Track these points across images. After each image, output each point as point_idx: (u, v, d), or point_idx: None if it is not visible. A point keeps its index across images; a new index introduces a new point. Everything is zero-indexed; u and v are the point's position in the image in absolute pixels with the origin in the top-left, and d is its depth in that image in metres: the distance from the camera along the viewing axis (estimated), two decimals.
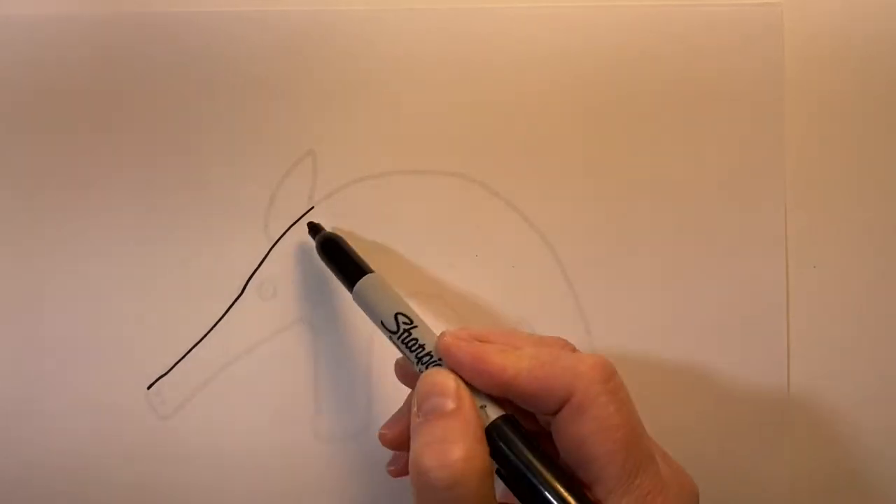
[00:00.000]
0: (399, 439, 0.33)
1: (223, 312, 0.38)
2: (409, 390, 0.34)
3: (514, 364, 0.28)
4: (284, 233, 0.38)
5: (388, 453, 0.38)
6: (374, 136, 0.38)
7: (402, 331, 0.31)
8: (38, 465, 0.38)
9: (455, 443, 0.26)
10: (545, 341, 0.31)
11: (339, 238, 0.36)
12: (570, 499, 0.26)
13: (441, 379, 0.29)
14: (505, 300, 0.39)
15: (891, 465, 0.39)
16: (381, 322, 0.32)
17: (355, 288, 0.34)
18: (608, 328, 0.39)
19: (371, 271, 0.34)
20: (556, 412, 0.28)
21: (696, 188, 0.39)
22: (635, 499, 0.26)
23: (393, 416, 0.34)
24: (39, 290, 0.38)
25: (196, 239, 0.38)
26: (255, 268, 0.38)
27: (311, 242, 0.38)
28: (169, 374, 0.38)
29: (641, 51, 0.39)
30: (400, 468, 0.34)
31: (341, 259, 0.35)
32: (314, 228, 0.37)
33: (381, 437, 0.33)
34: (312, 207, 0.38)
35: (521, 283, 0.39)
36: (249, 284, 0.38)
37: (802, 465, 0.39)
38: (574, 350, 0.31)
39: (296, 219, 0.38)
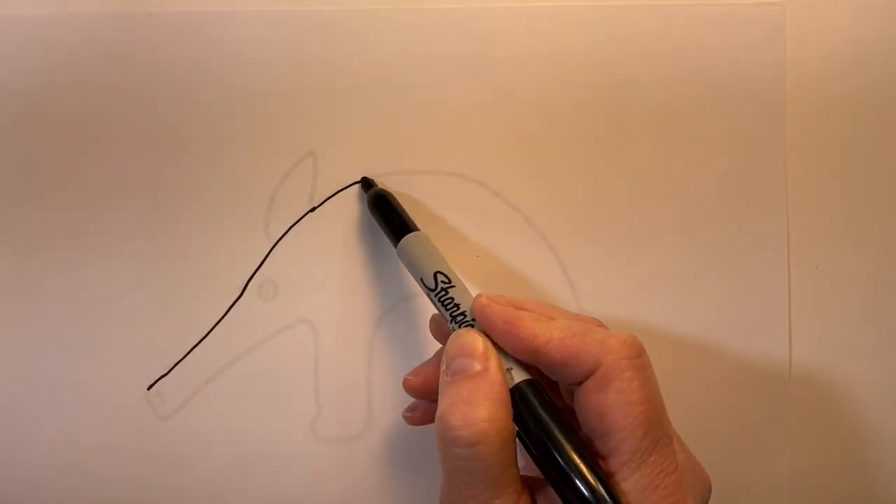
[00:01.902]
0: (422, 388, 0.34)
1: (223, 313, 0.38)
2: (436, 345, 0.36)
3: (546, 332, 0.29)
4: (285, 233, 0.38)
5: (389, 454, 0.38)
6: (374, 136, 0.38)
7: (439, 289, 0.32)
8: (38, 466, 0.38)
9: (480, 404, 0.27)
10: (580, 317, 0.32)
11: (390, 195, 0.37)
12: (581, 464, 0.26)
13: (470, 340, 0.30)
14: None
15: (890, 464, 0.39)
16: (421, 279, 0.33)
17: (400, 244, 0.35)
18: (609, 328, 0.38)
19: (417, 229, 0.35)
20: (580, 382, 0.29)
21: (696, 188, 0.39)
22: (647, 474, 0.27)
23: (420, 365, 0.35)
24: (39, 290, 0.38)
25: (196, 239, 0.38)
26: (255, 268, 0.38)
27: (312, 243, 0.38)
28: (169, 375, 0.38)
29: (642, 50, 0.39)
30: (416, 417, 0.36)
31: (390, 215, 0.36)
32: (367, 183, 0.38)
33: (406, 383, 0.34)
34: (314, 208, 0.38)
35: (521, 284, 0.39)
36: (250, 285, 0.38)
37: (802, 460, 0.39)
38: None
39: (296, 219, 0.38)
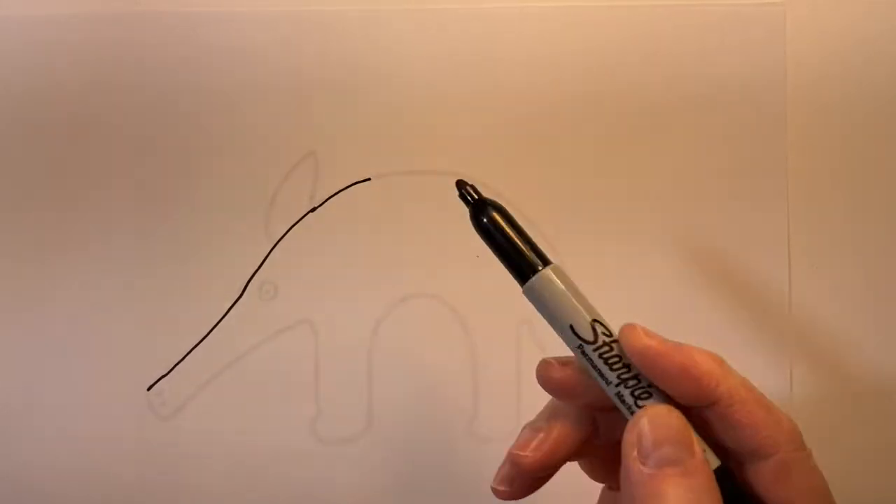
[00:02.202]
0: (545, 462, 0.29)
1: (223, 313, 0.38)
2: (543, 396, 0.31)
3: (725, 379, 0.25)
4: (285, 234, 0.38)
5: (389, 454, 0.38)
6: (374, 136, 0.38)
7: (601, 343, 0.26)
8: (38, 466, 0.38)
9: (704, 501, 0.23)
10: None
11: (504, 210, 0.28)
12: None
13: (675, 422, 0.25)
14: (506, 300, 0.39)
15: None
16: (571, 327, 0.26)
17: (537, 279, 0.27)
18: (611, 327, 0.38)
19: (549, 261, 0.27)
20: (747, 459, 0.26)
21: (697, 187, 0.39)
22: None
23: (527, 435, 0.29)
24: (39, 291, 0.38)
25: (197, 240, 0.38)
26: (255, 268, 0.38)
27: (312, 243, 0.38)
28: (169, 375, 0.38)
29: (643, 50, 0.39)
30: (515, 490, 0.30)
31: (513, 239, 0.28)
32: (466, 193, 0.29)
33: (521, 460, 0.29)
34: (313, 209, 0.38)
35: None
36: (250, 286, 0.38)
37: None
38: None
39: (296, 220, 0.38)
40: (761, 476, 0.25)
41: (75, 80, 0.38)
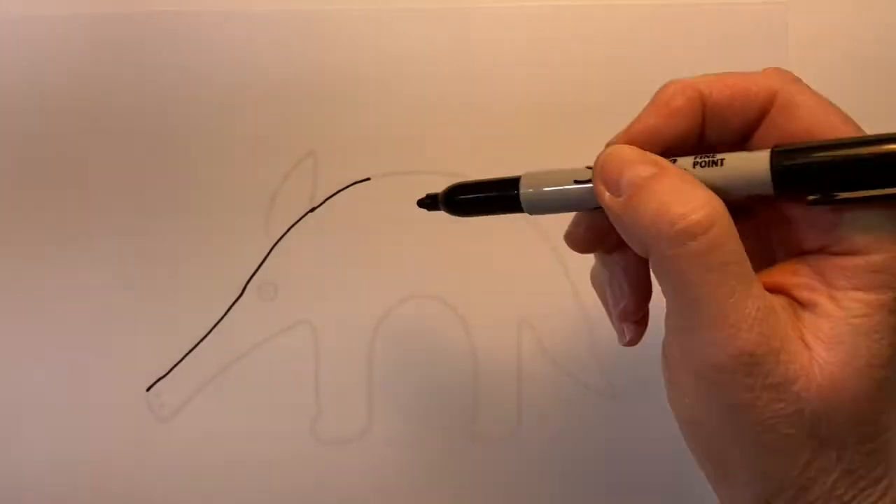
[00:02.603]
0: (588, 235, 0.28)
1: (223, 314, 0.38)
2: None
3: (701, 83, 0.25)
4: (284, 234, 0.38)
5: (390, 454, 0.38)
6: (375, 136, 0.38)
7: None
8: (36, 468, 0.38)
9: (689, 191, 0.22)
10: None
11: (457, 186, 0.29)
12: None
13: (621, 151, 0.24)
14: (506, 300, 0.39)
15: None
16: (575, 181, 0.27)
17: (522, 201, 0.27)
18: (610, 326, 0.38)
19: (515, 178, 0.28)
20: (755, 124, 0.25)
21: None
22: None
23: (573, 221, 0.29)
24: (37, 291, 0.38)
25: (197, 240, 0.38)
26: (255, 269, 0.38)
27: (312, 244, 0.38)
28: (169, 376, 0.38)
29: (643, 50, 0.38)
30: (635, 336, 0.30)
31: (481, 198, 0.28)
32: (430, 201, 0.30)
33: (568, 237, 0.29)
34: (313, 209, 0.38)
35: (522, 283, 0.38)
36: (250, 286, 0.38)
37: None
38: None
39: (296, 219, 0.38)
40: (769, 128, 0.24)
41: (75, 79, 0.38)
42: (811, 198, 0.22)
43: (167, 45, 0.38)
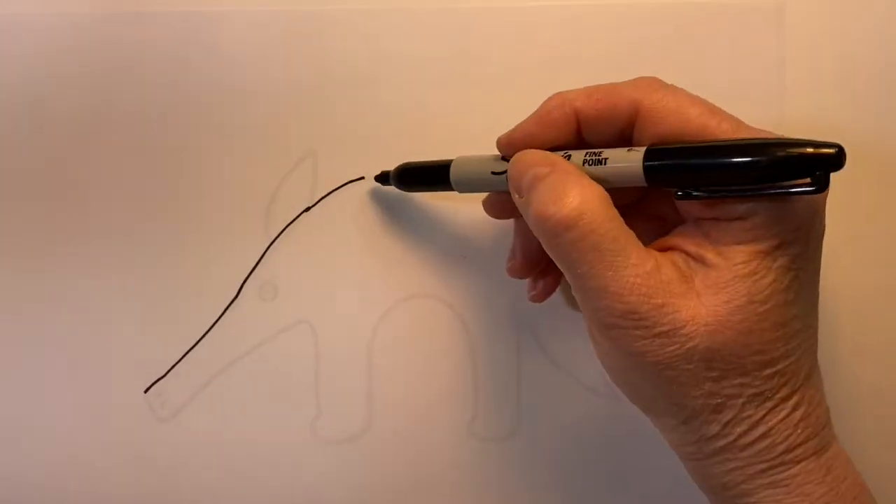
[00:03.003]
0: (524, 266, 0.34)
1: (220, 314, 0.38)
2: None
3: (576, 99, 0.29)
4: (280, 234, 0.38)
5: (390, 454, 0.38)
6: (375, 136, 0.38)
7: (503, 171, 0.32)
8: (37, 468, 0.38)
9: (566, 186, 0.27)
10: None
11: (405, 168, 0.36)
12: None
13: (525, 156, 0.29)
14: (505, 299, 0.39)
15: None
16: (492, 172, 0.32)
17: (452, 182, 0.34)
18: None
19: (449, 161, 0.34)
20: (627, 130, 0.29)
21: None
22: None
23: (510, 251, 0.35)
24: (36, 292, 0.38)
25: (197, 240, 0.38)
26: (252, 268, 0.38)
27: (312, 244, 0.38)
28: (169, 376, 0.38)
29: (641, 48, 0.38)
30: (538, 292, 0.35)
31: (421, 176, 0.36)
32: (384, 178, 0.37)
33: (510, 270, 0.35)
34: (308, 208, 0.38)
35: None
36: (249, 285, 0.38)
37: None
38: None
39: (292, 219, 0.38)
40: (639, 133, 0.29)
41: (72, 80, 0.38)
42: (678, 193, 0.27)
43: (166, 44, 0.38)
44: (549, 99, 0.30)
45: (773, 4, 0.39)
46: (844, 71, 0.39)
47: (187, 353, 0.38)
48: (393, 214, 0.38)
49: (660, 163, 0.27)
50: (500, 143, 0.32)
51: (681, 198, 0.27)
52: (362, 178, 0.38)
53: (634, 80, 0.29)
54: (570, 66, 0.38)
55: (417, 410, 0.38)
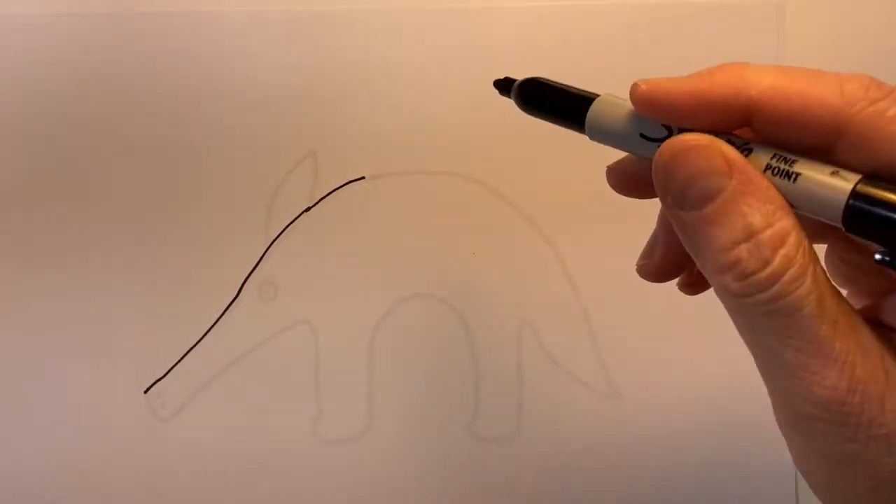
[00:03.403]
0: (663, 266, 0.25)
1: (220, 314, 0.38)
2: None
3: (753, 77, 0.21)
4: (281, 233, 0.38)
5: (391, 454, 0.38)
6: (375, 136, 0.38)
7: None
8: (37, 468, 0.38)
9: (765, 219, 0.19)
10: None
11: (537, 81, 0.27)
12: None
13: (690, 150, 0.20)
14: (505, 299, 0.39)
15: None
16: (642, 135, 0.23)
17: (588, 125, 0.25)
18: (610, 326, 0.38)
19: (594, 96, 0.25)
20: (818, 142, 0.20)
21: None
22: None
23: (647, 245, 0.26)
24: (37, 291, 0.38)
25: (198, 240, 0.38)
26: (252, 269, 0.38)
27: (312, 244, 0.38)
28: (170, 377, 0.38)
29: (640, 48, 0.38)
30: (655, 261, 0.26)
31: (552, 100, 0.26)
32: (505, 84, 0.28)
33: (641, 269, 0.25)
34: (308, 209, 0.38)
35: (521, 282, 0.38)
36: (249, 286, 0.38)
37: None
38: None
39: (292, 219, 0.38)
40: (843, 152, 0.20)
41: (74, 80, 0.38)
42: (877, 256, 0.19)
43: (167, 44, 0.38)
44: (722, 68, 0.22)
45: (773, 4, 0.39)
46: (844, 70, 0.39)
47: (187, 353, 0.38)
48: (393, 214, 0.38)
49: (873, 207, 0.18)
50: (639, 95, 0.22)
51: (880, 262, 0.19)
52: (363, 177, 0.38)
53: (845, 75, 0.21)
54: (571, 66, 0.38)
55: (418, 411, 0.38)
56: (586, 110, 0.25)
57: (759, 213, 0.19)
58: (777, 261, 0.18)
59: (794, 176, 0.20)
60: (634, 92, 0.22)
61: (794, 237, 0.19)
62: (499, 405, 0.39)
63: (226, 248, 0.38)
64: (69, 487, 0.38)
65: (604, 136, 0.24)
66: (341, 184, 0.38)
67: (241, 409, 0.38)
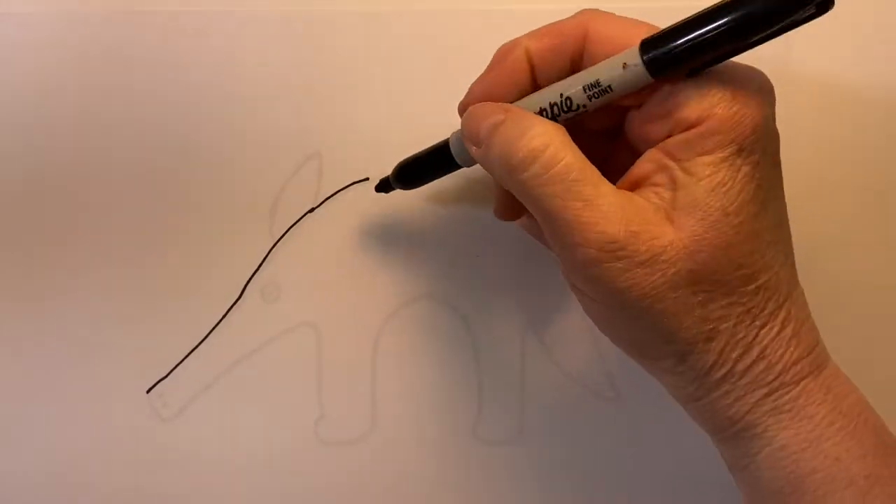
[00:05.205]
0: (500, 209, 0.33)
1: (223, 315, 0.38)
2: None
3: (524, 38, 0.30)
4: (283, 235, 0.38)
5: (394, 456, 0.38)
6: (379, 137, 0.38)
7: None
8: (39, 469, 0.38)
9: (527, 125, 0.27)
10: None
11: (401, 164, 0.35)
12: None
13: (478, 108, 0.29)
14: (507, 299, 0.39)
15: None
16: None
17: (455, 155, 0.33)
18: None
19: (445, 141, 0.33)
20: (578, 59, 0.29)
21: None
22: None
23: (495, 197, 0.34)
24: (39, 292, 0.38)
25: (201, 241, 0.38)
26: (255, 270, 0.38)
27: (315, 245, 0.38)
28: (172, 377, 0.38)
29: None
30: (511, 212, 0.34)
31: (423, 165, 0.35)
32: (385, 186, 0.36)
33: (496, 213, 0.34)
34: (312, 209, 0.38)
35: (522, 282, 0.38)
36: (253, 286, 0.38)
37: None
38: None
39: (296, 220, 0.38)
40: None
41: (75, 80, 0.38)
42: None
43: (171, 44, 0.38)
44: (500, 47, 0.30)
45: None
46: (850, 72, 0.39)
47: (190, 353, 0.38)
48: (398, 216, 0.38)
49: (659, 49, 0.26)
50: (461, 106, 0.31)
51: (692, 74, 0.26)
52: (367, 179, 0.38)
53: (576, 13, 0.29)
54: None
55: (421, 413, 0.38)
56: (448, 150, 0.32)
57: (523, 126, 0.27)
58: (536, 145, 0.26)
59: (606, 86, 0.27)
60: (460, 108, 0.31)
61: (557, 129, 0.27)
62: (502, 408, 0.38)
63: (229, 248, 0.38)
64: (71, 487, 0.38)
65: (468, 155, 0.31)
66: (346, 185, 0.38)
67: (243, 410, 0.38)
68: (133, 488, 0.38)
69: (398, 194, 0.38)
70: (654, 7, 0.38)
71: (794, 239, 0.28)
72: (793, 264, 0.28)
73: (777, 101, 0.28)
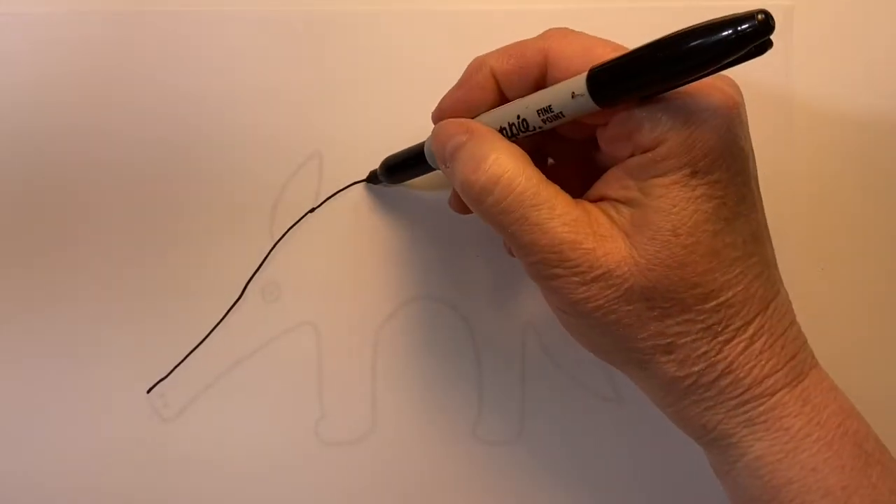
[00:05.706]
0: (463, 204, 0.33)
1: (224, 314, 0.38)
2: None
3: (490, 58, 0.30)
4: (283, 235, 0.38)
5: (394, 456, 0.38)
6: (380, 137, 0.38)
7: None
8: (39, 469, 0.38)
9: (482, 154, 0.27)
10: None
11: (386, 160, 0.36)
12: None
13: (443, 127, 0.30)
14: (508, 300, 0.39)
15: None
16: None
17: (428, 159, 0.33)
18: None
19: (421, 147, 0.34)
20: (541, 79, 0.29)
21: None
22: None
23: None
24: (39, 292, 0.38)
25: (202, 241, 0.38)
26: (255, 270, 0.38)
27: (316, 245, 0.38)
28: (172, 377, 0.38)
29: None
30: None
31: (404, 163, 0.35)
32: (374, 179, 0.38)
33: (451, 206, 0.35)
34: (312, 209, 0.38)
35: (523, 282, 0.38)
36: (253, 286, 0.38)
37: None
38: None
39: (297, 220, 0.38)
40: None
41: (75, 79, 0.38)
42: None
43: (171, 44, 0.38)
44: (469, 64, 0.31)
45: (781, 7, 0.38)
46: (852, 72, 0.39)
47: (190, 353, 0.38)
48: (398, 216, 0.38)
49: (604, 80, 0.26)
50: (434, 117, 0.32)
51: (646, 98, 0.26)
52: (365, 179, 0.38)
53: (543, 32, 0.30)
54: None
55: (421, 413, 0.38)
56: (423, 152, 0.33)
57: (483, 151, 0.27)
58: (494, 171, 0.27)
59: (557, 112, 0.27)
60: (432, 117, 0.32)
61: (512, 154, 0.27)
62: (503, 409, 0.38)
63: (230, 248, 0.38)
64: (71, 487, 0.38)
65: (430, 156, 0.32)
66: (347, 185, 0.38)
67: (243, 410, 0.38)
68: (134, 488, 0.38)
69: (398, 194, 0.38)
70: (655, 7, 0.38)
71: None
72: (770, 276, 0.28)
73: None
